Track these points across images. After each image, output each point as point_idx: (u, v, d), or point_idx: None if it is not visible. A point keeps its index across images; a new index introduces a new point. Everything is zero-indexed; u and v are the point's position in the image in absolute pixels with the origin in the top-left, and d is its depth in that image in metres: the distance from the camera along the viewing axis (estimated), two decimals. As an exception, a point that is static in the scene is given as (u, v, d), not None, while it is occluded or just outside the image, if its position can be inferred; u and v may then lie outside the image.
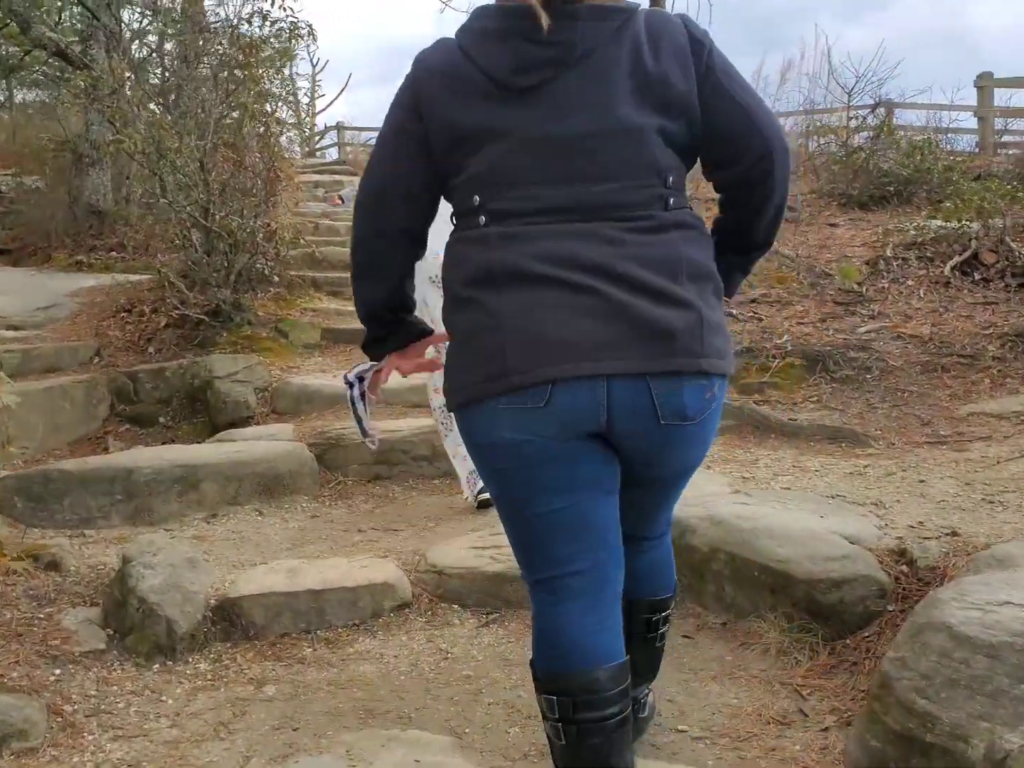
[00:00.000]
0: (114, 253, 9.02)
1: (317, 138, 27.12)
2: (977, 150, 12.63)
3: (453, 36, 1.57)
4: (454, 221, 1.62)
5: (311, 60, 31.41)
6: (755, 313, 5.91)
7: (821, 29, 31.69)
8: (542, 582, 1.59)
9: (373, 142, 1.91)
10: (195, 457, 3.99)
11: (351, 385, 1.88)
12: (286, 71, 13.27)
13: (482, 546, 3.29)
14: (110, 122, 6.24)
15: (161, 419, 5.64)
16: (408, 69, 1.60)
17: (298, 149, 24.26)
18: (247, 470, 3.98)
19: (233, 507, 3.93)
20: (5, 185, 11.05)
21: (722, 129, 1.54)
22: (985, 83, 12.97)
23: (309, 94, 31.86)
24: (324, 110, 31.35)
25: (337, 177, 15.54)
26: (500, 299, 1.47)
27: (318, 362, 6.12)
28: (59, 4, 9.81)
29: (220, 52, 5.96)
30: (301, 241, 7.49)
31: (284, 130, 15.70)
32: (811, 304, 6.14)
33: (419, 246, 1.70)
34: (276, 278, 6.63)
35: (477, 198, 1.53)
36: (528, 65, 1.48)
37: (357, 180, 8.56)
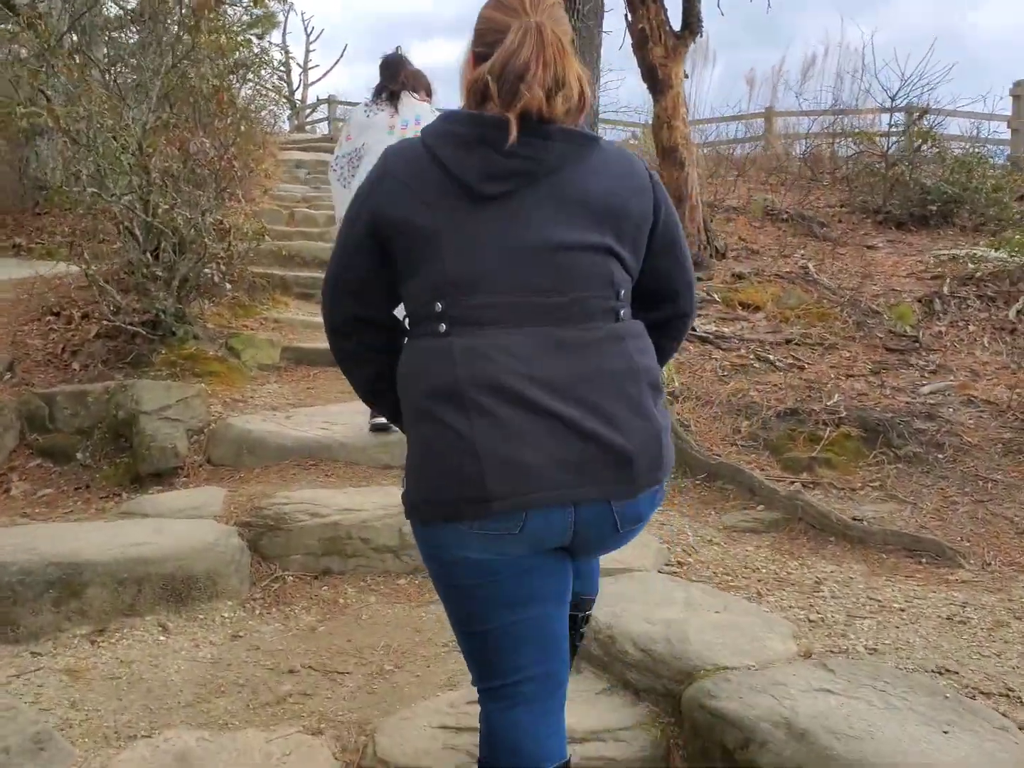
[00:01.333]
0: (59, 237, 7.99)
1: (307, 111, 25.99)
2: (1007, 163, 11.72)
3: (418, 139, 1.60)
4: (408, 324, 1.64)
5: (305, 28, 30.32)
6: (796, 359, 4.98)
7: (846, 23, 30.40)
8: (494, 690, 1.63)
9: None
10: (81, 551, 3.00)
11: None
12: (265, 39, 12.16)
13: (456, 726, 2.35)
14: (39, 89, 5.20)
15: (79, 454, 4.64)
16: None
17: (286, 124, 23.25)
18: (151, 569, 3.01)
19: (130, 619, 2.96)
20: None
21: (659, 277, 1.70)
22: (1022, 91, 12.05)
23: (301, 63, 30.80)
24: (318, 81, 30.13)
25: (323, 156, 14.45)
26: (469, 420, 1.48)
27: (272, 391, 5.13)
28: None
29: (173, 12, 4.92)
30: (266, 238, 6.46)
31: (264, 104, 14.66)
32: (859, 349, 5.21)
33: (387, 330, 1.71)
34: (228, 285, 5.63)
35: (439, 305, 1.54)
36: (497, 174, 1.53)
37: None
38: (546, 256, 1.53)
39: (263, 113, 15.25)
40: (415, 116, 4.16)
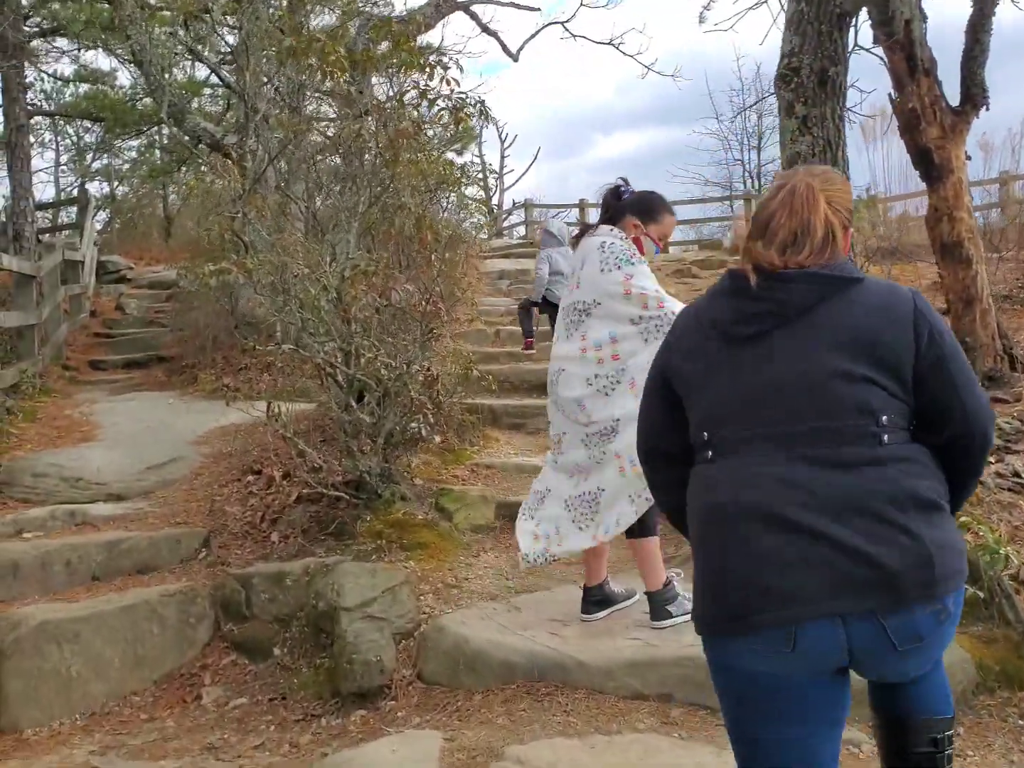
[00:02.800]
0: (266, 375, 7.77)
1: (504, 216, 26.21)
2: None
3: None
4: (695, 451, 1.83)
5: (499, 135, 30.96)
6: None
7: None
8: None
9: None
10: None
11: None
12: (467, 154, 11.95)
13: None
14: (236, 237, 4.84)
15: (276, 650, 4.05)
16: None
17: (484, 232, 23.34)
18: None
19: None
20: (183, 280, 10.19)
21: (928, 400, 1.70)
22: None
23: (497, 170, 31.40)
24: (512, 186, 30.52)
25: (524, 264, 14.08)
26: (727, 544, 1.64)
27: (489, 565, 4.37)
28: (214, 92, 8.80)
29: (369, 143, 4.44)
30: (474, 371, 5.83)
31: (466, 217, 14.56)
32: None
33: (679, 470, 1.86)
34: (436, 438, 4.99)
35: (705, 434, 1.75)
36: (746, 318, 1.72)
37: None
38: (793, 388, 1.66)
39: (465, 225, 15.24)
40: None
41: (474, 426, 6.27)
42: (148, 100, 10.31)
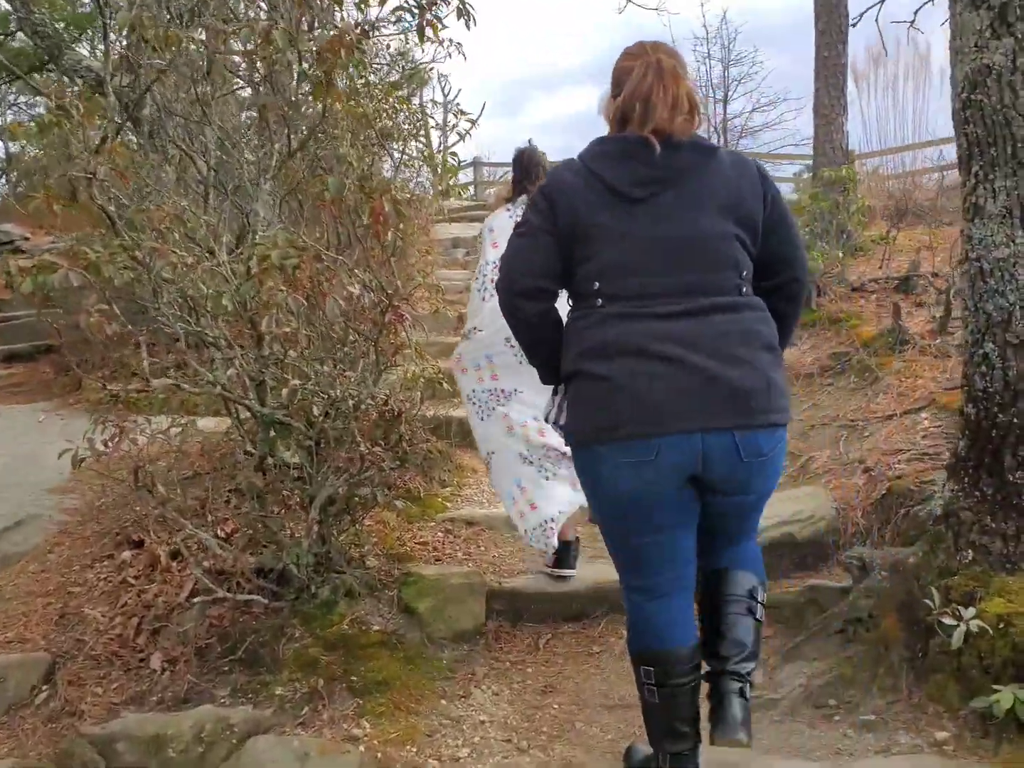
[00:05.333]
0: (168, 379, 6.06)
1: (450, 177, 24.29)
2: None
3: (576, 158, 2.08)
4: (570, 303, 2.10)
5: (442, 89, 28.80)
6: None
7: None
8: (638, 587, 2.09)
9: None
10: None
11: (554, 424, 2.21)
12: (414, 100, 10.22)
13: None
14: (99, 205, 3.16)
15: None
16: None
17: (429, 191, 21.43)
18: None
19: None
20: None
21: (772, 250, 2.08)
22: None
23: (441, 126, 29.27)
24: (457, 143, 28.60)
25: (475, 233, 12.40)
26: (611, 369, 1.94)
27: (486, 711, 2.83)
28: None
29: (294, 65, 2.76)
30: (443, 384, 4.25)
31: (411, 177, 12.84)
32: None
33: (549, 306, 2.11)
34: (399, 503, 3.43)
35: (596, 284, 1.99)
36: (643, 181, 1.97)
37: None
38: (680, 244, 1.95)
39: (411, 184, 13.48)
40: None
41: (444, 455, 4.70)
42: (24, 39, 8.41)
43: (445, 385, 4.20)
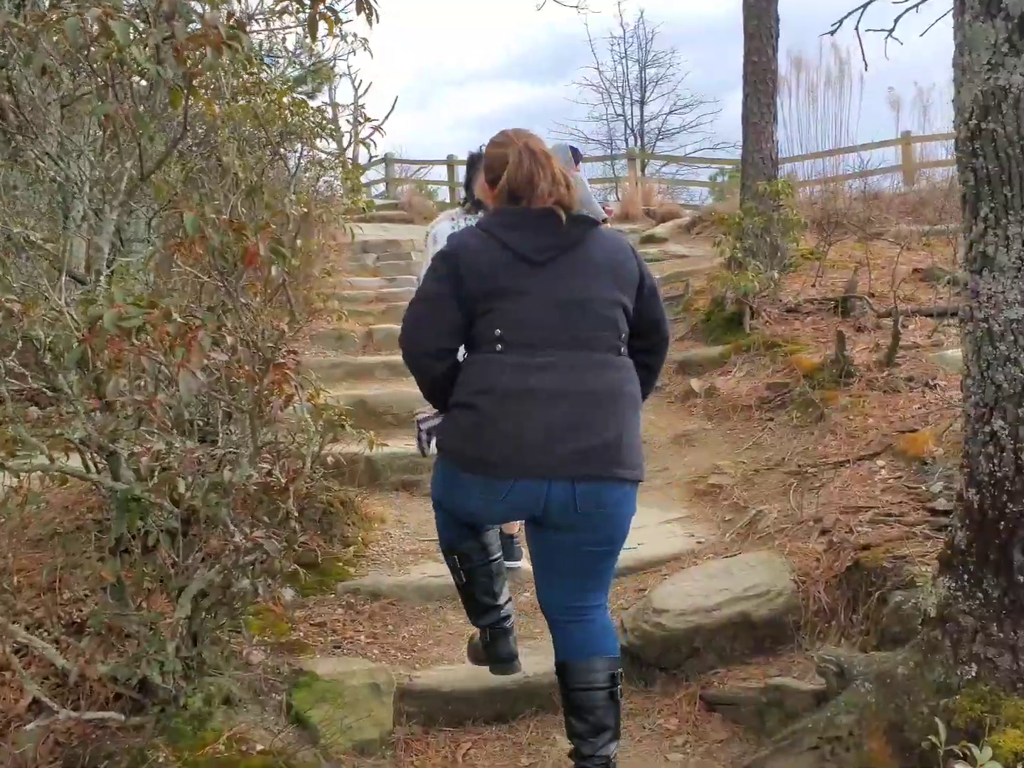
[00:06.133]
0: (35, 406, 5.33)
1: (361, 172, 23.46)
2: None
3: (476, 226, 2.32)
4: (467, 346, 2.27)
5: (352, 82, 27.90)
6: None
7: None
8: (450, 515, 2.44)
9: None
10: None
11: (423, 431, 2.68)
12: (318, 97, 9.56)
13: None
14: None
15: None
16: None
17: (339, 189, 20.53)
18: None
19: None
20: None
21: (644, 316, 2.32)
22: None
23: (351, 120, 28.29)
24: (369, 137, 27.72)
25: (391, 235, 11.72)
26: (498, 407, 2.13)
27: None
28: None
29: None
30: (345, 428, 3.68)
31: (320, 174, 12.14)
32: None
33: (453, 360, 2.30)
34: (289, 592, 2.89)
35: (499, 331, 2.17)
36: (541, 247, 2.19)
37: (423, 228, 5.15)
38: (577, 305, 2.17)
39: (319, 184, 12.75)
40: None
41: (348, 506, 4.14)
42: None
43: (348, 427, 3.64)
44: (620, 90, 21.66)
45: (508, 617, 2.52)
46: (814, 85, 11.17)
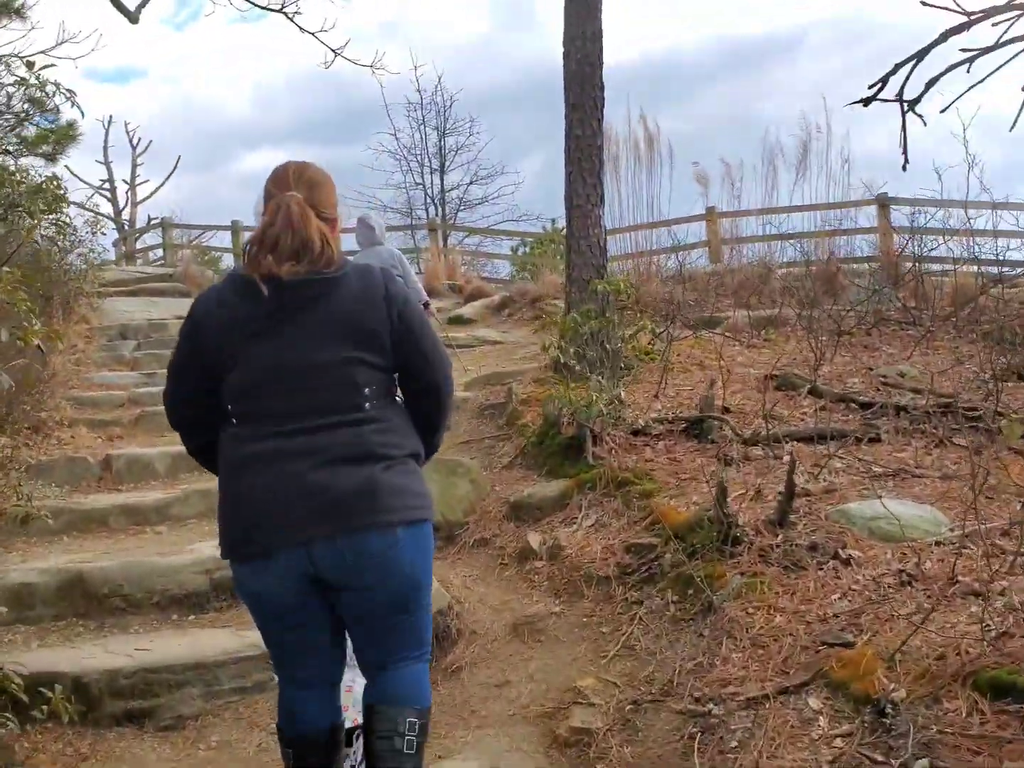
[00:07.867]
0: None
1: (136, 236, 21.18)
2: None
3: (225, 280, 2.24)
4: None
5: (130, 139, 25.49)
6: None
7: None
8: (283, 676, 2.28)
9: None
10: None
11: None
12: (61, 161, 7.87)
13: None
14: None
15: None
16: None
17: (111, 252, 18.26)
18: None
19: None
20: None
21: (406, 359, 2.22)
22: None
23: (129, 180, 25.82)
24: (148, 198, 25.45)
25: (159, 313, 9.94)
26: (240, 485, 2.11)
27: None
28: None
29: None
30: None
31: (71, 246, 10.33)
32: None
33: (211, 435, 2.24)
34: None
35: (230, 405, 2.14)
36: (257, 317, 2.10)
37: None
38: (303, 371, 2.09)
39: (71, 257, 10.82)
40: None
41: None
42: None
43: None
44: (419, 158, 20.71)
45: None
46: (618, 157, 10.59)
